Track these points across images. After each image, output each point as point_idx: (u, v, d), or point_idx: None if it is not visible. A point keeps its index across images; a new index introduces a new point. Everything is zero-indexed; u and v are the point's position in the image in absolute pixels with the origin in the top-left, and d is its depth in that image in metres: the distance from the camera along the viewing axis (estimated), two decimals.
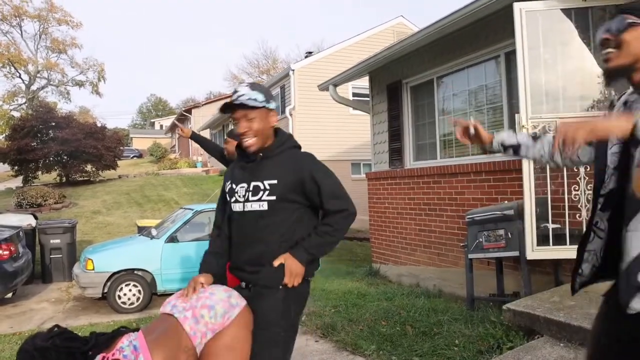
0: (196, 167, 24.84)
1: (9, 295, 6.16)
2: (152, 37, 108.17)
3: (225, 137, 3.63)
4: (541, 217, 3.76)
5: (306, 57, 17.71)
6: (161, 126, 50.39)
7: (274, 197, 1.84)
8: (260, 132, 1.88)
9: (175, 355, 1.69)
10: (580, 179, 3.69)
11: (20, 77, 31.71)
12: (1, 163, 18.48)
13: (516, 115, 3.81)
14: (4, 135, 24.59)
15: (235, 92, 1.89)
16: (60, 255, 7.55)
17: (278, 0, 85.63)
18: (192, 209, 6.75)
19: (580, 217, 3.67)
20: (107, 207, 14.58)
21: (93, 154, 18.07)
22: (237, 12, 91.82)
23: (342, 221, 1.87)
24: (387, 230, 6.85)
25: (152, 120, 57.54)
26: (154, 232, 6.59)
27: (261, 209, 1.86)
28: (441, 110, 5.97)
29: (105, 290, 6.00)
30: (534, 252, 3.71)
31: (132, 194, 16.73)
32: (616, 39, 1.40)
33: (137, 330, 1.79)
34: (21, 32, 32.30)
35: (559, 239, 3.71)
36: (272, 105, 1.92)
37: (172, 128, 35.54)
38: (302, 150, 2.02)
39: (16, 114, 28.48)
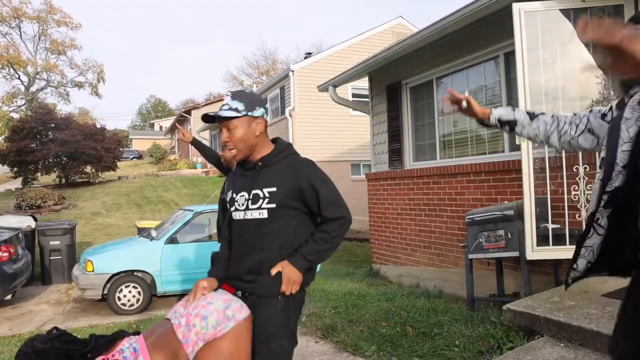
0: (196, 168, 24.84)
1: (9, 297, 6.15)
2: (152, 38, 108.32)
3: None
4: (541, 217, 3.76)
5: (306, 58, 17.71)
6: (161, 127, 50.39)
7: (273, 205, 1.85)
8: (242, 141, 1.87)
9: (173, 358, 1.69)
10: (579, 179, 3.70)
11: (19, 78, 31.73)
12: (0, 164, 18.47)
13: None
14: (3, 136, 24.58)
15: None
16: (60, 257, 7.55)
17: (277, 1, 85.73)
18: (192, 210, 6.75)
19: (579, 217, 3.67)
20: (107, 209, 14.57)
21: (92, 155, 18.08)
22: (237, 13, 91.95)
23: (338, 229, 1.88)
24: (387, 230, 6.85)
25: (152, 122, 57.54)
26: (153, 233, 6.59)
27: (261, 217, 1.86)
28: (441, 110, 5.97)
29: (105, 292, 5.99)
30: (534, 252, 3.71)
31: (131, 195, 16.73)
32: None
33: (137, 333, 1.80)
34: (20, 34, 32.49)
35: (559, 239, 3.71)
36: (257, 112, 1.89)
37: (172, 129, 35.54)
38: (302, 155, 2.01)
39: (15, 116, 28.51)
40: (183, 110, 31.65)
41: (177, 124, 6.93)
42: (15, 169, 18.11)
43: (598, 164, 1.55)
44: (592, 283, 3.51)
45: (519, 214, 3.86)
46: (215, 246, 2.27)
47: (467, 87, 5.58)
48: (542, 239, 3.72)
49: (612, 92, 3.68)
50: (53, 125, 18.75)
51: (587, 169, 3.66)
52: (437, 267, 5.77)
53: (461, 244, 4.77)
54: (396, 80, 6.55)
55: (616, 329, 1.51)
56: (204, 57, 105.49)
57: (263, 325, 1.80)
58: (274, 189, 1.85)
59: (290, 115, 15.50)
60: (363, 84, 8.09)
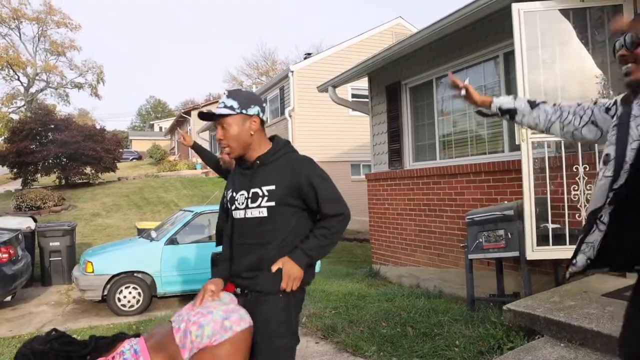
0: (196, 169, 24.84)
1: (8, 298, 6.15)
2: (151, 39, 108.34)
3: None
4: (541, 217, 3.76)
5: (305, 58, 17.72)
6: (160, 128, 50.39)
7: (272, 203, 1.85)
8: (236, 139, 1.88)
9: None
10: (579, 178, 3.70)
11: (19, 79, 31.72)
12: (0, 166, 18.47)
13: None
14: (2, 137, 24.57)
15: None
16: (60, 258, 7.54)
17: (277, 2, 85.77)
18: (192, 211, 6.75)
19: (579, 216, 3.67)
20: (107, 210, 14.57)
21: (92, 156, 18.07)
22: (236, 13, 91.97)
23: (338, 225, 1.88)
24: (387, 231, 6.85)
25: (152, 122, 57.55)
26: (153, 234, 6.59)
27: (261, 215, 1.86)
28: (440, 110, 5.98)
29: (105, 293, 5.99)
30: (534, 252, 3.71)
31: (131, 196, 16.72)
32: (632, 54, 1.48)
33: (137, 335, 1.79)
34: (20, 35, 32.46)
35: (559, 239, 3.71)
36: (252, 111, 1.90)
37: (172, 130, 35.53)
38: (301, 154, 2.02)
39: (15, 117, 28.49)
40: (183, 111, 31.61)
41: (177, 127, 6.94)
42: (15, 170, 18.10)
43: (602, 160, 1.54)
44: (592, 283, 3.51)
45: (519, 214, 3.86)
46: (215, 247, 2.27)
47: None
48: (542, 239, 3.72)
49: (611, 92, 3.68)
50: (53, 126, 18.75)
51: (587, 169, 3.66)
52: (437, 267, 5.77)
53: (461, 244, 4.77)
54: (396, 81, 6.55)
55: (625, 327, 1.51)
56: (203, 58, 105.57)
57: (264, 324, 1.80)
58: (273, 187, 1.85)
59: (290, 116, 15.50)
60: (363, 84, 8.09)
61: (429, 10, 59.15)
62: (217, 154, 4.11)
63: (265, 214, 1.86)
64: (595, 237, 1.48)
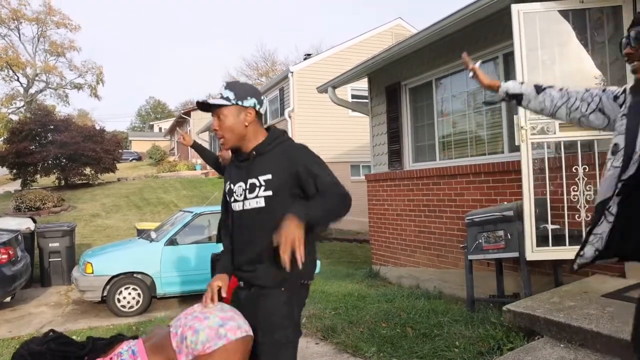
0: (195, 169, 24.85)
1: (8, 299, 6.15)
2: (151, 39, 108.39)
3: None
4: (540, 218, 3.76)
5: (305, 59, 17.73)
6: (160, 129, 50.37)
7: (270, 192, 1.84)
8: (231, 130, 1.89)
9: None
10: (579, 179, 3.70)
11: (18, 80, 31.73)
12: (0, 166, 18.47)
13: (515, 116, 3.82)
14: (2, 138, 24.55)
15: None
16: (59, 259, 7.54)
17: (277, 2, 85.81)
18: (192, 212, 6.75)
19: (579, 217, 3.68)
20: (106, 210, 14.56)
21: (92, 157, 18.07)
22: (236, 13, 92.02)
23: (338, 198, 1.78)
24: (386, 232, 6.85)
25: (151, 123, 57.53)
26: (153, 235, 6.58)
27: (258, 205, 1.86)
28: (440, 111, 5.98)
29: (105, 294, 5.99)
30: (534, 253, 3.71)
31: (131, 196, 16.72)
32: (638, 52, 1.49)
33: (135, 337, 1.80)
34: (19, 35, 32.42)
35: (559, 240, 3.71)
36: (248, 102, 1.90)
37: (171, 130, 35.52)
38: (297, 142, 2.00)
39: (14, 117, 28.47)
40: (182, 111, 31.63)
41: (176, 128, 6.96)
42: (15, 170, 18.10)
43: (610, 150, 1.53)
44: (592, 283, 3.52)
45: (519, 215, 3.86)
46: (215, 247, 2.27)
47: (466, 87, 5.59)
48: (541, 240, 3.73)
49: None
50: (52, 127, 18.76)
51: (587, 170, 3.67)
52: (437, 268, 5.77)
53: (461, 245, 4.77)
54: (395, 82, 6.55)
55: (637, 321, 1.49)
56: (203, 58, 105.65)
57: (266, 317, 1.80)
58: (269, 177, 1.85)
59: (290, 117, 15.51)
60: (362, 85, 8.10)
61: (428, 11, 59.28)
62: (217, 152, 4.12)
63: (263, 204, 1.85)
64: (604, 228, 1.47)
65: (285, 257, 1.57)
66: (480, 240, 4.20)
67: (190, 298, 6.28)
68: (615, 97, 1.64)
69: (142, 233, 7.34)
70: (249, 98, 1.91)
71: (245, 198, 1.89)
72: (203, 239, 6.49)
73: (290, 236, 1.58)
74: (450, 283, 5.44)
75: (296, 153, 1.89)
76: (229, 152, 2.14)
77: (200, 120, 26.68)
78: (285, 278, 1.81)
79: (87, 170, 18.83)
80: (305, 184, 1.83)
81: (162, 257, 6.21)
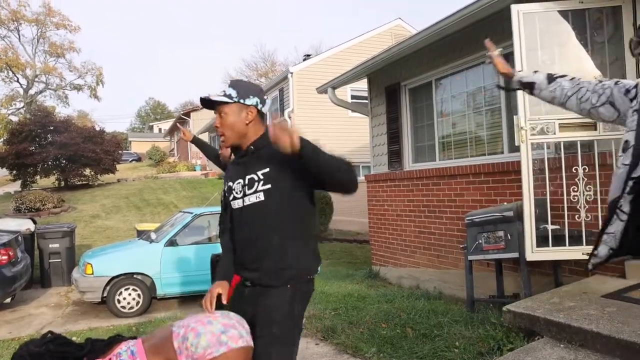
0: (195, 170, 24.85)
1: (8, 300, 6.15)
2: (150, 40, 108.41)
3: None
4: (540, 219, 3.76)
5: (304, 60, 17.73)
6: (160, 130, 50.39)
7: (269, 186, 1.83)
8: (231, 128, 1.89)
9: None
10: (579, 180, 3.70)
11: (18, 81, 31.77)
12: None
13: (514, 117, 3.82)
14: (2, 139, 24.57)
15: None
16: (59, 260, 7.54)
17: (276, 3, 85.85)
18: (192, 213, 6.75)
19: (579, 218, 3.67)
20: (106, 211, 14.56)
21: (92, 157, 18.08)
22: (236, 14, 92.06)
23: (344, 162, 1.77)
24: (386, 232, 6.85)
25: (151, 124, 57.55)
26: (153, 235, 6.58)
27: (258, 200, 1.85)
28: (440, 112, 5.98)
29: (105, 295, 5.99)
30: (534, 253, 3.71)
31: (131, 197, 16.72)
32: None
33: (134, 338, 1.80)
34: (19, 36, 32.36)
35: (559, 240, 3.71)
36: (250, 101, 1.90)
37: (171, 131, 35.53)
38: None
39: (14, 118, 28.49)
40: (182, 112, 31.65)
41: (176, 129, 6.98)
42: (14, 171, 18.10)
43: (621, 147, 1.52)
44: (592, 284, 3.51)
45: (519, 215, 3.86)
46: (215, 248, 2.27)
47: (466, 88, 5.59)
48: (541, 240, 3.72)
49: None
50: (52, 128, 18.76)
51: (587, 170, 3.66)
52: (437, 268, 5.77)
53: (461, 246, 4.77)
54: (395, 82, 6.55)
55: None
56: (203, 59, 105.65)
57: (268, 313, 1.81)
58: (267, 170, 1.84)
59: (289, 117, 15.50)
60: (362, 85, 8.10)
61: (428, 11, 59.31)
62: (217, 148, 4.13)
63: (262, 198, 1.84)
64: (617, 227, 1.45)
65: (284, 139, 1.59)
66: (480, 241, 4.20)
67: (190, 299, 6.28)
68: (627, 91, 1.61)
69: (142, 234, 7.34)
70: (251, 97, 1.91)
71: (245, 194, 1.88)
72: (203, 239, 6.49)
73: (289, 128, 1.61)
74: (450, 283, 5.44)
75: None
76: (229, 150, 2.15)
77: (200, 121, 26.69)
78: (292, 276, 1.82)
79: (87, 171, 18.84)
80: (303, 169, 1.75)
81: (162, 258, 6.21)
